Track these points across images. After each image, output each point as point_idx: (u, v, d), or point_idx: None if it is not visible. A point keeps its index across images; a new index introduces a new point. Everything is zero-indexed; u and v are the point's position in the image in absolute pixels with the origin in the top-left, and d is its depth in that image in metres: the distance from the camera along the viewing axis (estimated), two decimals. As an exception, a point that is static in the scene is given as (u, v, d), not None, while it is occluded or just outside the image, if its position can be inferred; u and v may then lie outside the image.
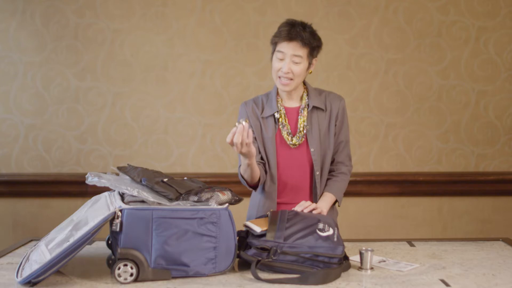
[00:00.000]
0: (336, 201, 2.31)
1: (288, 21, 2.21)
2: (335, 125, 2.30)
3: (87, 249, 2.08)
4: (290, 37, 2.16)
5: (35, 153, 3.44)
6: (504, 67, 3.53)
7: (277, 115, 2.27)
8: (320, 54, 2.27)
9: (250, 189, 2.32)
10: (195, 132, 3.47)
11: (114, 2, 3.39)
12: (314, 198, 2.31)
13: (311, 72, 2.27)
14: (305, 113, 2.27)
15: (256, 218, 2.20)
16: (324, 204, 2.24)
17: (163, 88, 3.44)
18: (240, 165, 2.21)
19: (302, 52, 2.17)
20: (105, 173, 2.00)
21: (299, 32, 2.16)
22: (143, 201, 1.85)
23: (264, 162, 2.28)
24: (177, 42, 3.43)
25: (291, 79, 2.19)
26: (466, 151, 3.56)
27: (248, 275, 1.88)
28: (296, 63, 2.17)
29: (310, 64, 2.23)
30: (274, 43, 2.22)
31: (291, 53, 2.16)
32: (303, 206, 2.15)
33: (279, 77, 2.20)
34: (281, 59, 2.18)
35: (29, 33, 3.38)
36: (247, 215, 2.41)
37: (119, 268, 1.80)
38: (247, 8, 3.42)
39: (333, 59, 3.45)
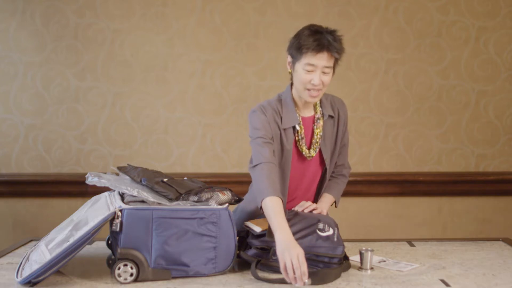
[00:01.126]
0: (334, 202, 2.30)
1: (313, 29, 2.07)
2: (341, 130, 2.27)
3: (87, 249, 2.08)
4: (320, 48, 2.02)
5: (35, 153, 3.44)
6: (504, 67, 3.53)
7: (297, 127, 2.14)
8: None
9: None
10: (195, 132, 3.47)
11: (114, 2, 3.39)
12: (314, 201, 2.29)
13: None
14: (321, 123, 2.19)
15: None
16: (324, 204, 2.23)
17: (163, 88, 3.44)
18: (260, 190, 1.98)
19: (332, 62, 2.07)
20: (105, 173, 2.00)
21: (331, 43, 2.04)
22: (143, 201, 1.86)
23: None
24: (177, 42, 3.42)
25: (320, 90, 2.07)
26: (466, 151, 3.56)
27: (248, 275, 1.88)
28: (326, 73, 2.06)
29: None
30: (300, 53, 2.04)
31: (322, 65, 2.03)
32: (303, 206, 2.14)
33: (308, 89, 2.07)
34: (311, 71, 2.04)
35: (29, 33, 3.38)
36: (242, 205, 2.26)
37: (119, 268, 1.80)
38: (247, 8, 3.42)
39: (333, 59, 3.45)
